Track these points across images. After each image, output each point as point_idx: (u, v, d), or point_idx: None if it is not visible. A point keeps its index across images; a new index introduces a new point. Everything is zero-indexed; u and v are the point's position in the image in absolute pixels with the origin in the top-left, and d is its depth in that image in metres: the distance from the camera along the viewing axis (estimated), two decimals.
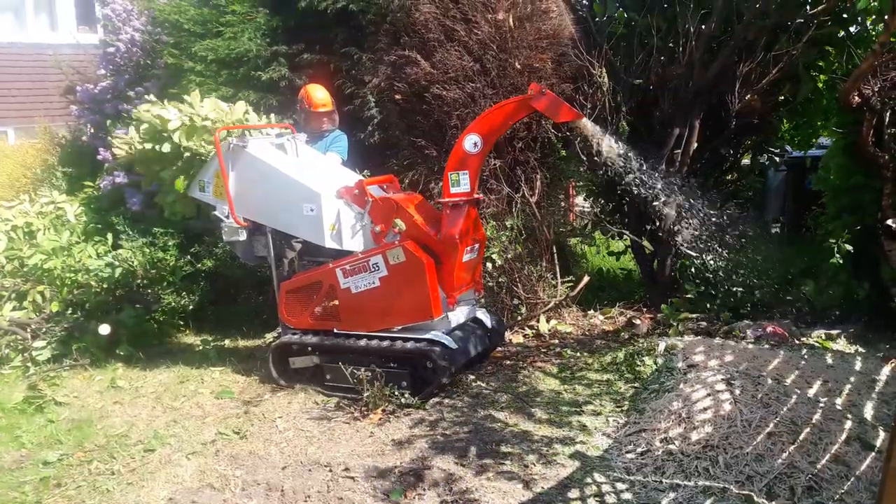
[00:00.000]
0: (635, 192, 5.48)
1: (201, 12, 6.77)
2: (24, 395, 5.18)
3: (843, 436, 3.77)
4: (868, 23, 6.10)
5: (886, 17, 4.76)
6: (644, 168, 5.31)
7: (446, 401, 4.84)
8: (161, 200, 5.69)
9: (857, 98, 5.23)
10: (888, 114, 5.32)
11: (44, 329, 6.02)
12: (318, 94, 5.81)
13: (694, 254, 6.03)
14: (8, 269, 6.52)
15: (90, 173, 8.16)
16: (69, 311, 6.23)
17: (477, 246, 5.08)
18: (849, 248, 5.81)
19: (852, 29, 6.21)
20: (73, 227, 7.27)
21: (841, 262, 5.92)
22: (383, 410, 4.67)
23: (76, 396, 5.29)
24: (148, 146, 5.27)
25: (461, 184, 4.79)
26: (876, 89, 5.22)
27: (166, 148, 5.20)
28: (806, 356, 5.03)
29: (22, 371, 5.72)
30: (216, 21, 6.67)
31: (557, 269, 6.64)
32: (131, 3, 8.23)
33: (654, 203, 5.59)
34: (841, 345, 5.51)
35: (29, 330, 5.97)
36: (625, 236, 6.97)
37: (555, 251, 6.69)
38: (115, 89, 8.03)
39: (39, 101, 10.92)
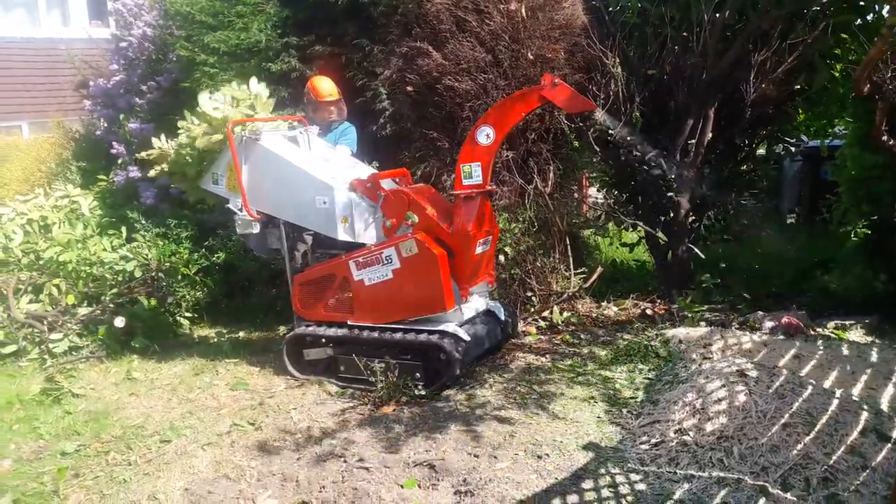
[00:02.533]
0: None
1: (212, 3, 6.77)
2: (41, 386, 5.23)
3: (859, 427, 3.75)
4: (884, 10, 6.02)
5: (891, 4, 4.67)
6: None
7: (459, 392, 4.84)
8: (189, 190, 5.72)
9: (867, 86, 5.17)
10: None
11: (60, 321, 6.07)
12: (324, 84, 5.82)
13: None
14: (24, 263, 6.58)
15: (104, 167, 8.23)
16: (85, 304, 6.28)
17: (490, 238, 5.07)
18: (863, 237, 5.75)
19: (869, 17, 6.14)
20: (88, 221, 7.33)
21: (857, 252, 5.87)
22: (397, 402, 4.68)
23: (92, 388, 5.34)
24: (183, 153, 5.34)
25: (474, 176, 4.78)
26: (888, 77, 5.15)
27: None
28: (822, 347, 5.00)
29: (39, 363, 5.78)
30: (227, 12, 6.67)
31: (571, 261, 6.62)
32: None
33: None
34: (857, 335, 5.47)
35: (45, 322, 6.02)
36: (638, 227, 6.94)
37: (568, 243, 6.67)
38: (128, 83, 8.07)
39: (53, 95, 10.98)
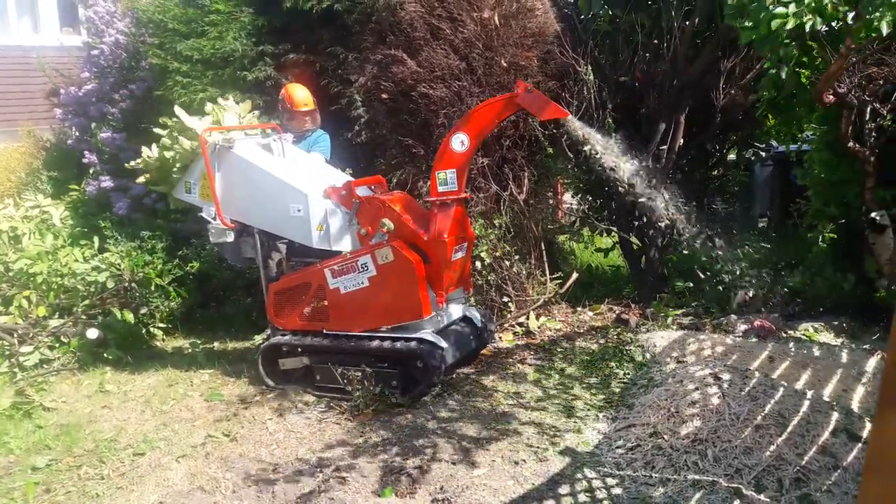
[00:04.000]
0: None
1: (185, 11, 6.72)
2: (11, 400, 5.13)
3: (830, 427, 3.81)
4: (849, 18, 6.12)
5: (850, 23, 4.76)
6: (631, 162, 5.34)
7: (436, 400, 4.84)
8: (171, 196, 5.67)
9: (830, 97, 5.27)
10: (868, 109, 5.36)
11: (31, 334, 5.97)
12: (300, 94, 5.79)
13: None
14: None
15: (75, 177, 8.12)
16: (56, 316, 6.18)
17: (465, 244, 5.08)
18: (830, 241, 5.85)
19: (834, 24, 6.24)
20: (59, 231, 7.21)
21: (826, 255, 5.97)
22: (374, 410, 4.67)
23: (64, 401, 5.26)
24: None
25: (449, 182, 4.79)
26: (853, 85, 5.25)
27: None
28: (793, 349, 5.07)
29: (9, 377, 5.66)
30: (201, 20, 6.63)
31: (546, 267, 6.65)
32: (114, 4, 8.18)
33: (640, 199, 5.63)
34: (828, 337, 5.56)
35: (15, 335, 5.91)
36: (612, 232, 7.00)
37: (543, 248, 6.71)
38: (100, 92, 7.97)
39: (23, 103, 10.79)
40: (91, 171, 7.75)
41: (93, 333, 5.93)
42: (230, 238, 5.25)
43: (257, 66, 6.56)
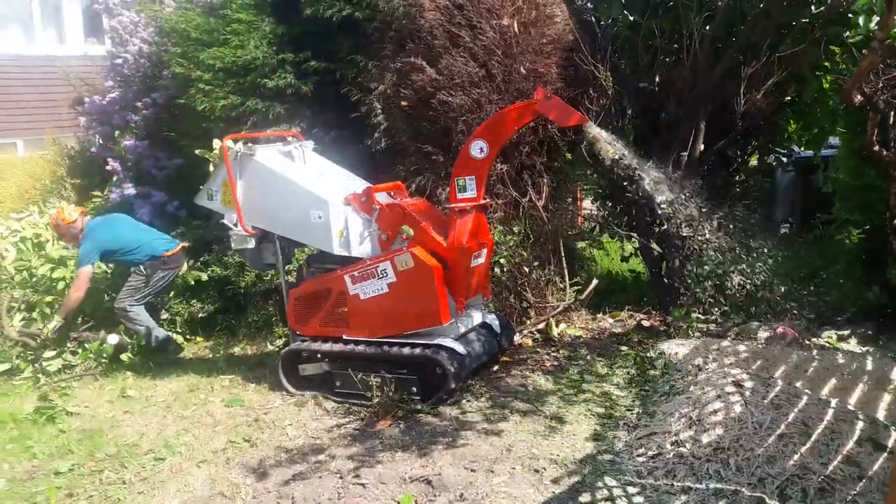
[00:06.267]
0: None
1: (207, 21, 6.82)
2: (34, 405, 5.19)
3: (855, 436, 3.75)
4: (870, 23, 6.06)
5: (880, 17, 4.72)
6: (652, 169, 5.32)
7: (456, 406, 4.83)
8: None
9: (858, 98, 5.21)
10: (893, 113, 5.29)
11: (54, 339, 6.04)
12: (68, 212, 6.11)
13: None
14: (17, 280, 6.56)
15: (99, 184, 8.24)
16: (79, 321, 6.25)
17: (485, 251, 5.08)
18: (855, 247, 5.78)
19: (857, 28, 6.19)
20: None
21: (850, 262, 5.90)
22: (393, 417, 4.66)
23: (87, 406, 5.31)
24: None
25: (468, 189, 4.80)
26: (879, 87, 5.19)
27: None
28: (817, 357, 5.00)
29: (33, 382, 5.74)
30: (222, 29, 6.71)
31: (566, 273, 6.63)
32: (138, 14, 8.31)
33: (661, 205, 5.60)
34: (852, 345, 5.48)
35: (39, 340, 5.99)
36: (633, 239, 6.96)
37: (563, 255, 6.69)
38: (123, 100, 8.10)
39: (48, 112, 10.98)
40: (114, 179, 7.87)
41: (114, 339, 5.99)
42: (251, 245, 5.30)
43: (277, 73, 6.63)
